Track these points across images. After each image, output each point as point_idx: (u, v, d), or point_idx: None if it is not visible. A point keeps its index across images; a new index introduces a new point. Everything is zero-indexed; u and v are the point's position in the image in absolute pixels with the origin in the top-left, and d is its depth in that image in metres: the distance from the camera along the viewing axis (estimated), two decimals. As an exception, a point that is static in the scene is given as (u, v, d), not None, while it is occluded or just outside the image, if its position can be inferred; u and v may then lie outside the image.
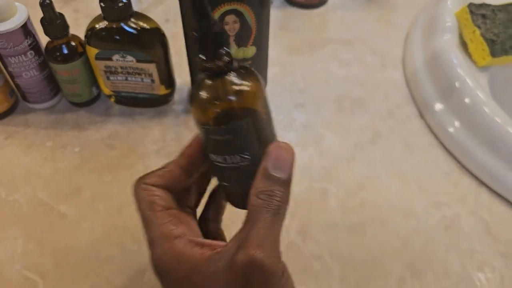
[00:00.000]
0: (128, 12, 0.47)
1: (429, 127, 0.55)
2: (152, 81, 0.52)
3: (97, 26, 0.48)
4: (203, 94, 0.28)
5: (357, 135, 0.54)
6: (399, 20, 0.69)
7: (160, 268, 0.28)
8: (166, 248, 0.28)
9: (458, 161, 0.52)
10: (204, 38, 0.27)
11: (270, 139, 0.30)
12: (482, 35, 0.55)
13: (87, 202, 0.48)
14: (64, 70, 0.51)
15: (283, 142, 0.29)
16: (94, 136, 0.54)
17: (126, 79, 0.53)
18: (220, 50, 0.27)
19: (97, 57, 0.50)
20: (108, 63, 0.51)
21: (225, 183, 0.31)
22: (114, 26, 0.48)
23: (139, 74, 0.52)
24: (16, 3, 0.49)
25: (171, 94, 0.56)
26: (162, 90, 0.54)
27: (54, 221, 0.46)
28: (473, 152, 0.50)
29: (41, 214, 0.47)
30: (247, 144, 0.28)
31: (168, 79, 0.54)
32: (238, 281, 0.25)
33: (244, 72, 0.28)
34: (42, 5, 0.47)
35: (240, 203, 0.31)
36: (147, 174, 0.31)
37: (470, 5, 0.58)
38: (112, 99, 0.57)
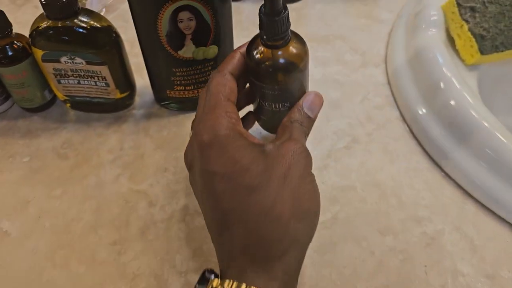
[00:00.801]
0: (72, 9, 0.43)
1: (411, 131, 0.50)
2: (107, 84, 0.48)
3: (41, 25, 0.44)
4: (264, 60, 0.34)
5: (332, 142, 0.49)
6: (383, 15, 0.64)
7: (215, 140, 0.32)
8: (234, 129, 0.32)
9: (441, 169, 0.47)
10: (272, 18, 0.31)
11: (305, 90, 0.37)
12: (471, 30, 0.51)
13: (32, 219, 0.44)
14: (10, 73, 0.47)
15: (317, 92, 0.37)
16: (46, 144, 0.50)
17: (79, 83, 0.48)
18: (287, 30, 0.32)
19: (44, 59, 0.46)
20: (57, 65, 0.46)
21: (263, 117, 0.38)
22: (60, 24, 0.43)
23: (91, 77, 0.47)
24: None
25: (129, 98, 0.51)
26: (118, 94, 0.49)
27: (-6, 240, 0.42)
28: (458, 160, 0.46)
29: (-20, 233, 0.43)
30: (291, 97, 0.36)
31: (124, 82, 0.49)
32: (285, 162, 0.31)
33: (295, 40, 0.34)
34: (-22, 2, 0.42)
35: (270, 130, 0.39)
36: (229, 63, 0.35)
37: (458, -3, 0.53)
38: (68, 104, 0.52)
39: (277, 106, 0.36)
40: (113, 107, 0.51)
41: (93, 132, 0.51)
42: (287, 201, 0.30)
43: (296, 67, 0.34)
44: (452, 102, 0.47)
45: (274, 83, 0.34)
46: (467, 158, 0.45)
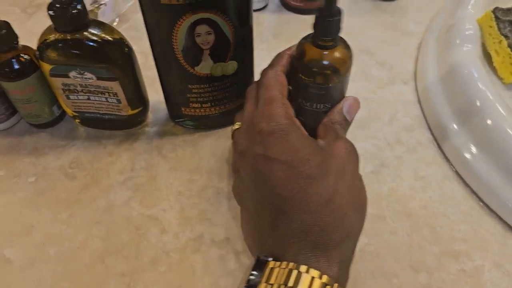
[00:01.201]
0: (82, 21, 0.40)
1: (444, 155, 0.46)
2: (118, 100, 0.45)
3: (49, 37, 0.41)
4: (314, 58, 0.36)
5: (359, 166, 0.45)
6: (411, 28, 0.61)
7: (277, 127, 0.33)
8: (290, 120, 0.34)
9: (479, 197, 0.43)
10: (327, 19, 0.33)
11: (344, 95, 0.39)
12: (510, 46, 0.47)
13: (36, 245, 0.41)
14: (16, 88, 0.44)
15: (355, 97, 0.38)
16: (53, 163, 0.47)
17: (89, 99, 0.45)
18: (338, 33, 0.34)
19: (52, 74, 0.43)
20: (66, 80, 0.43)
21: (301, 117, 0.37)
22: (69, 37, 0.41)
23: (102, 93, 0.44)
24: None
25: (142, 114, 0.48)
26: (129, 111, 0.46)
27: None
28: (497, 187, 0.42)
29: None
30: (332, 98, 0.38)
31: (136, 99, 0.46)
32: (340, 158, 0.33)
33: (343, 44, 0.36)
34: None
35: (308, 131, 0.38)
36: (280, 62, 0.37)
37: (496, 10, 0.49)
38: (77, 120, 0.49)
39: (318, 107, 0.38)
40: (125, 124, 0.48)
41: (104, 150, 0.48)
42: (345, 194, 0.32)
43: (343, 69, 0.36)
44: (489, 122, 0.43)
45: (322, 82, 0.36)
46: (507, 185, 0.41)
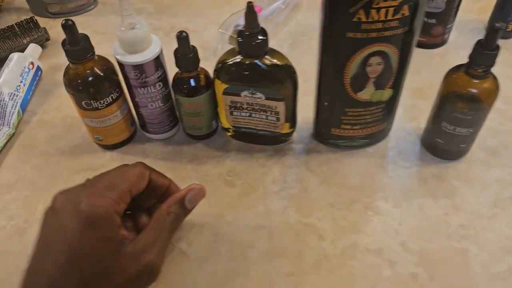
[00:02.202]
0: (264, 49, 0.46)
1: None
2: (277, 119, 0.50)
3: (229, 60, 0.47)
4: (466, 86, 0.44)
5: (496, 191, 0.49)
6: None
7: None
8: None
9: None
10: (485, 51, 0.42)
11: (482, 124, 0.47)
12: None
13: (208, 242, 0.46)
14: (190, 103, 0.50)
15: (199, 185, 0.42)
16: (212, 171, 0.52)
17: (250, 116, 0.51)
18: (492, 65, 0.43)
19: (225, 92, 0.49)
20: (236, 98, 0.49)
21: (439, 140, 0.49)
22: (248, 62, 0.46)
23: (264, 111, 0.50)
24: (151, 35, 0.48)
25: (291, 133, 0.54)
26: (285, 129, 0.52)
27: (175, 259, 0.45)
28: None
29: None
30: (475, 124, 0.46)
31: (292, 118, 0.51)
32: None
33: (493, 76, 0.44)
34: (179, 37, 0.46)
35: (451, 156, 0.50)
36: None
37: None
38: (229, 133, 0.55)
39: (462, 130, 0.45)
40: (274, 140, 0.54)
41: (256, 162, 0.53)
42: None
43: (491, 98, 0.43)
44: None
45: (471, 108, 0.44)
46: None
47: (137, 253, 0.35)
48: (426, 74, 0.63)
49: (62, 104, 0.62)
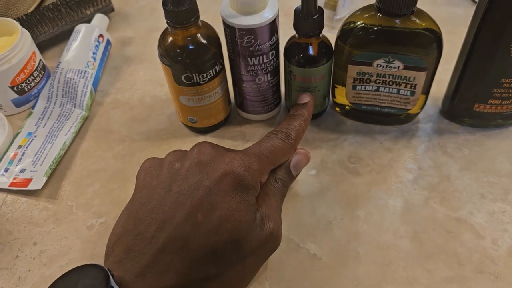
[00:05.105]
0: (412, 7, 0.37)
1: None
2: (412, 93, 0.42)
3: (362, 21, 0.39)
4: None
5: None
6: None
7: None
8: None
9: None
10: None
11: None
12: None
13: (341, 242, 0.38)
14: (306, 75, 0.42)
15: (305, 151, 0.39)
16: (330, 157, 0.44)
17: (377, 90, 0.43)
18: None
19: (354, 61, 0.41)
20: (364, 68, 0.41)
21: None
22: (387, 22, 0.38)
23: (398, 84, 0.41)
24: (267, -6, 0.40)
25: (419, 110, 0.45)
26: (417, 105, 0.43)
27: (303, 262, 0.37)
28: None
29: (287, 253, 0.38)
30: None
31: (427, 93, 0.43)
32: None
33: None
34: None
35: None
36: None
37: None
38: (341, 112, 0.47)
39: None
40: (398, 119, 0.46)
41: (380, 146, 0.45)
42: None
43: None
44: None
45: None
46: None
47: (262, 221, 0.32)
48: None
49: (138, 83, 0.55)
